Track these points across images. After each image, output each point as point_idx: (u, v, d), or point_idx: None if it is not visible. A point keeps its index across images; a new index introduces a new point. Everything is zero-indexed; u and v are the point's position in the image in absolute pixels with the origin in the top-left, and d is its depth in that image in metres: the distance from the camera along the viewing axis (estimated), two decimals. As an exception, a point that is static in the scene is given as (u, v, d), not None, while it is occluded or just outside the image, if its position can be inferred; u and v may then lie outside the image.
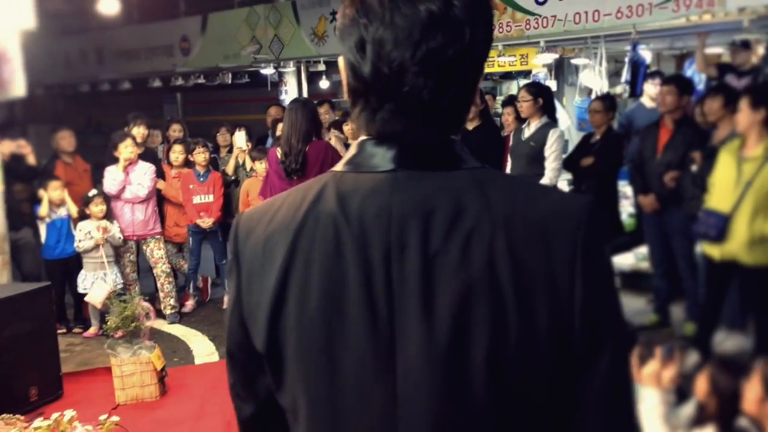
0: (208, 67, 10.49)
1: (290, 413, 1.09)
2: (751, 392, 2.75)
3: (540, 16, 7.48)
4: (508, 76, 10.61)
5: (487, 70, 7.08)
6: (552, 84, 9.42)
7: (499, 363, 0.96)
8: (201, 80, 10.53)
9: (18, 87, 5.88)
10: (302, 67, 10.19)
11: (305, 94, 10.34)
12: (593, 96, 7.96)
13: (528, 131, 5.54)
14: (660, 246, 5.70)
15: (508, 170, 5.69)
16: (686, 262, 5.48)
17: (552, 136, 5.39)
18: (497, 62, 8.56)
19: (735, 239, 4.46)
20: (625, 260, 7.07)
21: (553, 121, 5.54)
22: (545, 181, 5.43)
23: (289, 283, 1.03)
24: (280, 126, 7.04)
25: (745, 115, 4.41)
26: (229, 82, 10.36)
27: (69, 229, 6.48)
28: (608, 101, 5.85)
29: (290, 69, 10.04)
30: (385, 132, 1.03)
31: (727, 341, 5.36)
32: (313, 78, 10.50)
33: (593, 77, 8.25)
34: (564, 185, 6.25)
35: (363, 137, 1.06)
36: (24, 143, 7.56)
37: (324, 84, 10.47)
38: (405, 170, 1.02)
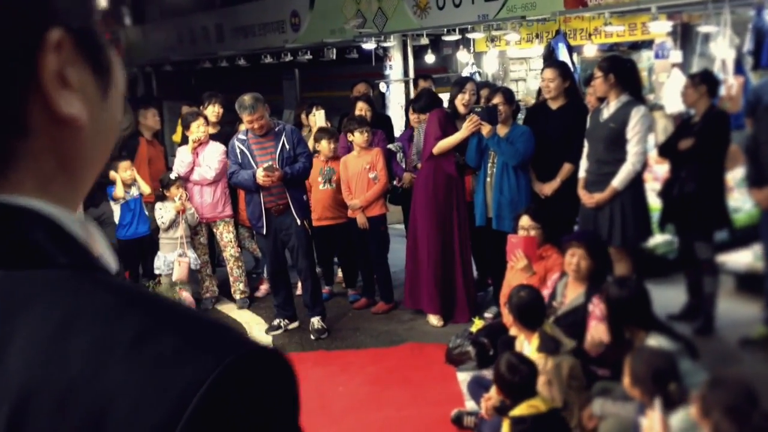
0: (314, 43, 10.23)
1: None
2: None
3: (655, -22, 6.62)
4: (634, 47, 9.61)
5: (597, 41, 6.22)
6: (677, 54, 8.44)
7: None
8: (308, 56, 10.28)
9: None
10: (408, 41, 9.71)
11: (411, 70, 9.87)
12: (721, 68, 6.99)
13: (607, 111, 4.81)
14: (775, 246, 4.80)
15: (584, 155, 4.99)
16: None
17: (635, 116, 4.64)
18: (604, 32, 7.68)
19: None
20: (741, 258, 6.15)
21: (637, 99, 4.78)
22: (627, 167, 4.69)
23: None
24: (358, 105, 6.65)
25: None
26: (333, 57, 10.05)
27: (141, 208, 6.43)
28: (699, 77, 4.97)
29: (392, 43, 9.58)
30: None
31: None
32: (419, 53, 9.97)
33: (722, 46, 7.24)
34: (662, 170, 5.45)
35: None
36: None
37: (430, 59, 9.91)
38: None
